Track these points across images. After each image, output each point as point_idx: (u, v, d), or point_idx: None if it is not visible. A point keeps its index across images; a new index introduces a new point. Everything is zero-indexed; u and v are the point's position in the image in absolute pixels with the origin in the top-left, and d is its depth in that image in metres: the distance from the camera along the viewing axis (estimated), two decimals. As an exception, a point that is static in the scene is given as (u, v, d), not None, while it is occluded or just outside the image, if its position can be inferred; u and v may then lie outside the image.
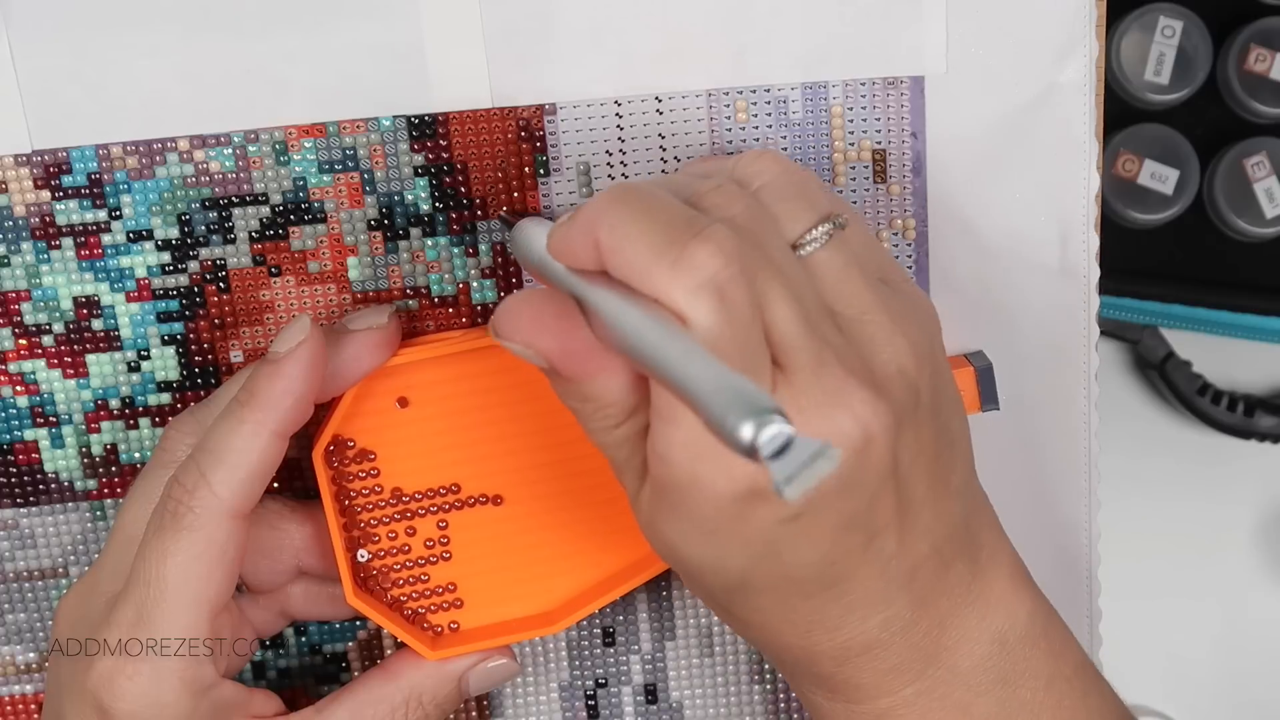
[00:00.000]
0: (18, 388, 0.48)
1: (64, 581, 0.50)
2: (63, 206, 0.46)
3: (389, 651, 0.51)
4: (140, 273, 0.47)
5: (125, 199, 0.46)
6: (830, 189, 0.41)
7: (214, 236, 0.47)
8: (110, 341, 0.47)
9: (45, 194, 0.46)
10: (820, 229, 0.39)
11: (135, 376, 0.48)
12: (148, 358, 0.48)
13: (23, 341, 0.47)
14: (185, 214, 0.46)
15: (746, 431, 0.30)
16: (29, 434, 0.48)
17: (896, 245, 0.48)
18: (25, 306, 0.47)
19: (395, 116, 0.46)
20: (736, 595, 0.40)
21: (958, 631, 0.41)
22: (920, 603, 0.40)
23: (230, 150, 0.46)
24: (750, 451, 0.30)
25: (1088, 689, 0.43)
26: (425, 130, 0.46)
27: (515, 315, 0.39)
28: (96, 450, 0.49)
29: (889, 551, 0.39)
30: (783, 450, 0.30)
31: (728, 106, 0.46)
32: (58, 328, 0.47)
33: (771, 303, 0.36)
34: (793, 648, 0.41)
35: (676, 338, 0.34)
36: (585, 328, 0.38)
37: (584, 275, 0.38)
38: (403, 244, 0.47)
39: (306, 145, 0.46)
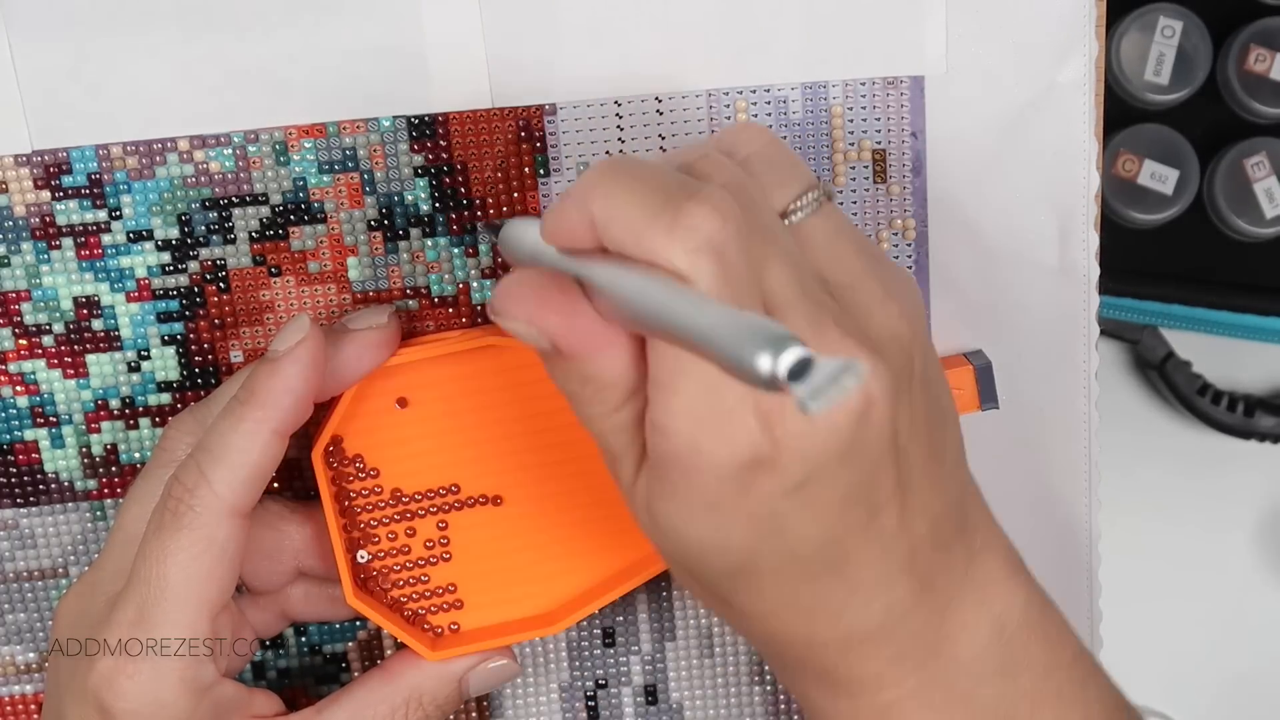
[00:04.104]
0: (18, 388, 0.48)
1: (64, 581, 0.50)
2: (63, 206, 0.46)
3: (389, 652, 0.51)
4: (140, 273, 0.47)
5: (125, 199, 0.46)
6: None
7: (214, 236, 0.47)
8: (110, 341, 0.47)
9: (45, 194, 0.46)
10: (809, 196, 0.38)
11: (135, 376, 0.48)
12: (148, 358, 0.48)
13: (23, 341, 0.47)
14: (185, 214, 0.46)
15: (765, 362, 0.29)
16: (29, 434, 0.48)
17: (896, 245, 0.48)
18: (25, 306, 0.47)
19: (395, 117, 0.46)
20: (740, 580, 0.39)
21: (958, 619, 0.41)
22: (921, 587, 0.40)
23: (230, 150, 0.46)
24: (771, 381, 0.29)
25: (1085, 678, 0.43)
26: (425, 130, 0.46)
27: (517, 293, 0.38)
28: (96, 450, 0.49)
29: (890, 530, 0.39)
30: (803, 373, 0.29)
31: (728, 106, 0.46)
32: (58, 328, 0.47)
33: (767, 267, 0.36)
34: (795, 639, 0.40)
35: (682, 291, 0.34)
36: (587, 304, 0.37)
37: (581, 255, 0.38)
38: (403, 244, 0.47)
39: (306, 145, 0.46)
